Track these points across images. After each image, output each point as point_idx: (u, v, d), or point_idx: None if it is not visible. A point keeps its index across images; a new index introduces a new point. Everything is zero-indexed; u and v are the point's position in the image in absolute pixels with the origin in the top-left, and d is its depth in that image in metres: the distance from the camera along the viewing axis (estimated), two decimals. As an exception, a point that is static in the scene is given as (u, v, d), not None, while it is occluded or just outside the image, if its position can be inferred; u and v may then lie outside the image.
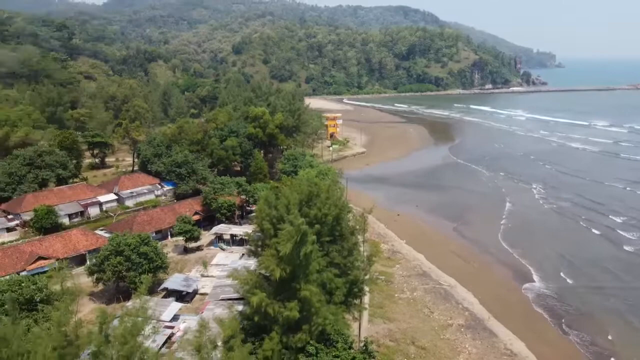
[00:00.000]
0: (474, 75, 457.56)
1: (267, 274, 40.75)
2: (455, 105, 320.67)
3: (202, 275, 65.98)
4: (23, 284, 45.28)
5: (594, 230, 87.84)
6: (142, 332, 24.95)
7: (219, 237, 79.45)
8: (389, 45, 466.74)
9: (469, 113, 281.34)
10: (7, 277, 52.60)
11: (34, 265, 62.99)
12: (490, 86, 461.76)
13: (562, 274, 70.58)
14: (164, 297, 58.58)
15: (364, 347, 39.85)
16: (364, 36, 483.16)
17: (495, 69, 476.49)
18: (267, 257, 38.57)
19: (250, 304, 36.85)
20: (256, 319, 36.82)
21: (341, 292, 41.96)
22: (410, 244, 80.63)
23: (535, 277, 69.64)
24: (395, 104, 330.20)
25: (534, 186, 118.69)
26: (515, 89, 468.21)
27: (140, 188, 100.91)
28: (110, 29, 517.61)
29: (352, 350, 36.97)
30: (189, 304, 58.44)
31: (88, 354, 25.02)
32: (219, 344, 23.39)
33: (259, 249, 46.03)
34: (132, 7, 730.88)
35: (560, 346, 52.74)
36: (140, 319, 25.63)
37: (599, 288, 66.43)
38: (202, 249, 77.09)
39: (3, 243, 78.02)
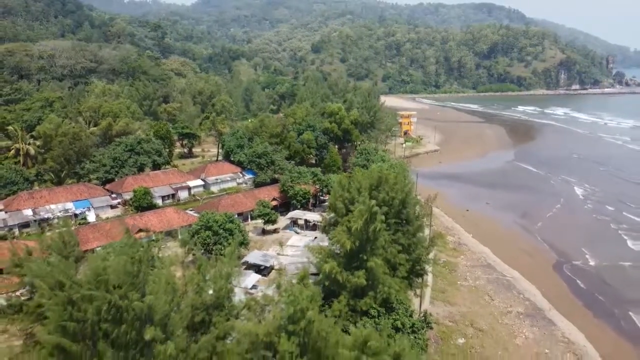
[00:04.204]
0: (560, 75, 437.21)
1: (337, 251, 45.91)
2: (537, 106, 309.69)
3: (278, 254, 72.31)
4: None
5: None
6: (231, 276, 30.79)
7: (294, 222, 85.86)
8: (469, 43, 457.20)
9: (550, 115, 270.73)
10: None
11: (135, 237, 72.07)
12: (577, 87, 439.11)
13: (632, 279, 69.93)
14: (245, 270, 65.38)
15: (423, 317, 43.75)
16: (443, 34, 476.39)
17: (584, 68, 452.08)
18: (339, 231, 43.72)
19: (322, 271, 42.10)
20: (327, 284, 42.07)
21: (404, 269, 46.18)
22: (476, 237, 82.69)
23: (605, 278, 69.60)
24: (473, 104, 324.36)
25: (601, 192, 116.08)
26: (606, 90, 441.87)
27: (224, 175, 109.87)
28: (197, 29, 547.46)
29: (412, 318, 41.10)
30: (266, 278, 64.85)
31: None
32: (294, 282, 28.44)
33: (332, 227, 51.34)
34: (218, 7, 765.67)
35: (622, 344, 53.51)
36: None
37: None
38: (278, 232, 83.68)
39: (107, 218, 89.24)
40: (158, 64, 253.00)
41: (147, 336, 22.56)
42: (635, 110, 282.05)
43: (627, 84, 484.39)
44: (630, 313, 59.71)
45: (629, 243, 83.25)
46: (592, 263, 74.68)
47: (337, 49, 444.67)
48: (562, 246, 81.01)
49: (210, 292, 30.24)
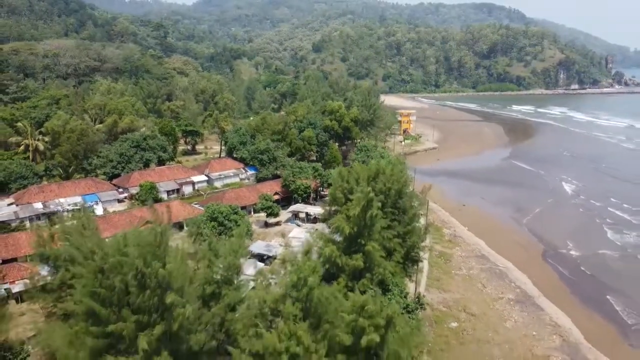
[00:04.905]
0: (559, 74, 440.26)
1: (337, 239, 48.90)
2: (534, 105, 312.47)
3: (280, 245, 75.28)
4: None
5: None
6: (240, 253, 33.83)
7: (295, 215, 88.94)
8: (469, 43, 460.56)
9: (547, 114, 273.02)
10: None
11: (143, 228, 75.12)
12: (576, 86, 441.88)
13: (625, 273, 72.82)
14: (249, 259, 68.39)
15: (417, 299, 46.73)
16: (444, 34, 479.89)
17: (583, 68, 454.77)
18: (338, 218, 46.74)
19: (323, 255, 45.06)
20: (327, 267, 45.03)
21: (399, 254, 49.20)
22: (471, 230, 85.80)
23: (588, 267, 72.79)
24: (472, 103, 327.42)
25: (590, 189, 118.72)
26: (604, 89, 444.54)
27: (227, 171, 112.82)
28: (199, 28, 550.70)
29: (406, 299, 44.09)
30: (269, 267, 67.80)
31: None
32: (299, 257, 31.40)
33: (333, 217, 54.30)
34: (219, 7, 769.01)
35: (604, 326, 56.60)
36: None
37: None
38: (280, 225, 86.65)
39: (114, 212, 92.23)
40: (161, 62, 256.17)
41: (168, 300, 25.57)
42: (632, 110, 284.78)
43: (626, 84, 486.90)
44: (608, 297, 63.51)
45: (609, 235, 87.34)
46: (577, 253, 78.29)
47: (337, 49, 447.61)
48: (551, 238, 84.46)
49: (221, 266, 33.35)
